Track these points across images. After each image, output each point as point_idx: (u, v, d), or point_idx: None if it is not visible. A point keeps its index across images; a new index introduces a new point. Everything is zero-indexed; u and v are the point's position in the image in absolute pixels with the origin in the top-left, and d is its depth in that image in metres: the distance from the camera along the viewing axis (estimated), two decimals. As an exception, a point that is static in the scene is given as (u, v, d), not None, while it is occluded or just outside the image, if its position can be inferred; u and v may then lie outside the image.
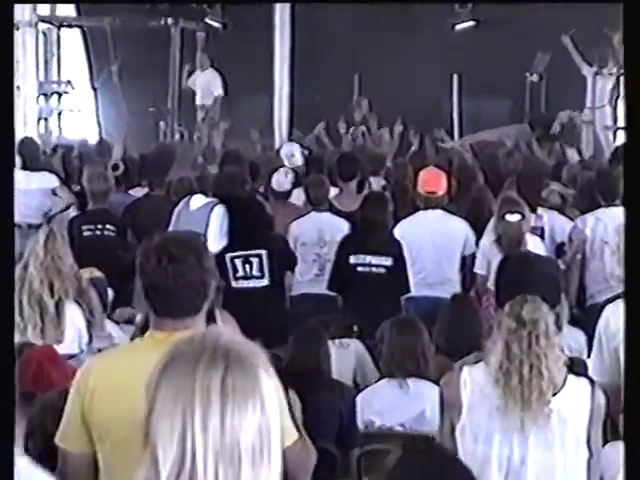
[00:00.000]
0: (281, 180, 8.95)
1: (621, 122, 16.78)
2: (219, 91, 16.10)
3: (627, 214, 2.61)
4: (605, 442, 3.94)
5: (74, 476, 3.34)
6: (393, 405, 5.58)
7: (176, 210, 7.76)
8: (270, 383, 1.91)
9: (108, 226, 8.44)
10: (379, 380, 5.84)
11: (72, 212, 9.35)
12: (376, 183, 9.96)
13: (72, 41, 17.85)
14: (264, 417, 1.87)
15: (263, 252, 7.21)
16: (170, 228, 7.49)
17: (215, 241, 7.23)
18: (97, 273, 7.02)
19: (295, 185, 9.05)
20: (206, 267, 3.31)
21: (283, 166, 9.60)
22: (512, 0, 15.87)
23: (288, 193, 8.93)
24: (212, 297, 3.41)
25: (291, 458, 3.25)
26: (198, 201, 7.73)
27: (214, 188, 8.03)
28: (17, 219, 9.37)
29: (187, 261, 3.26)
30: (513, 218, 7.05)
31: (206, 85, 16.22)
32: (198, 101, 16.27)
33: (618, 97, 16.83)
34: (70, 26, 17.72)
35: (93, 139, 16.57)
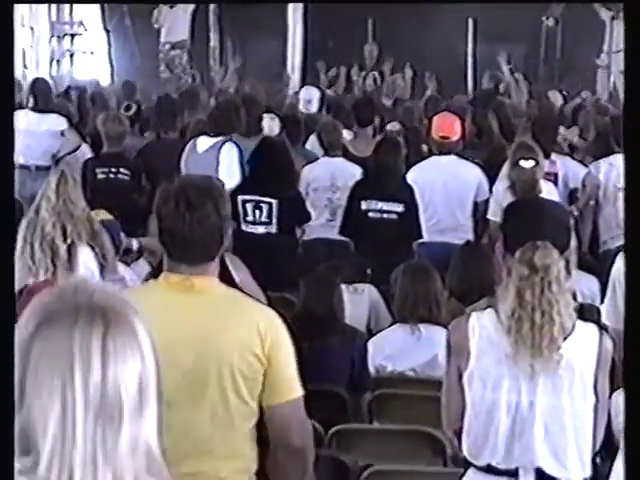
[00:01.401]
0: (270, 125, 8.99)
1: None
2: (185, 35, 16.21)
3: (627, 210, 2.55)
4: (614, 388, 3.95)
5: None
6: (405, 350, 5.60)
7: (184, 154, 7.75)
8: (147, 335, 1.89)
9: (122, 169, 8.43)
10: (391, 325, 5.86)
11: (81, 153, 9.33)
12: (392, 127, 9.95)
13: (85, -17, 17.73)
14: (144, 370, 1.86)
15: (274, 201, 7.20)
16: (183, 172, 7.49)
17: (226, 179, 7.25)
18: (108, 216, 7.03)
19: (282, 129, 9.07)
20: (223, 215, 3.30)
21: (269, 112, 9.56)
22: (511, 0, 15.72)
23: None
24: (227, 244, 3.41)
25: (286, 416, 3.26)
26: (204, 143, 7.71)
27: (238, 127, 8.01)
28: (25, 161, 9.40)
29: (205, 208, 3.25)
30: (527, 164, 7.02)
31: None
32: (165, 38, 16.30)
33: (635, 42, 16.69)
34: (83, -32, 17.62)
35: (105, 81, 16.55)
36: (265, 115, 9.15)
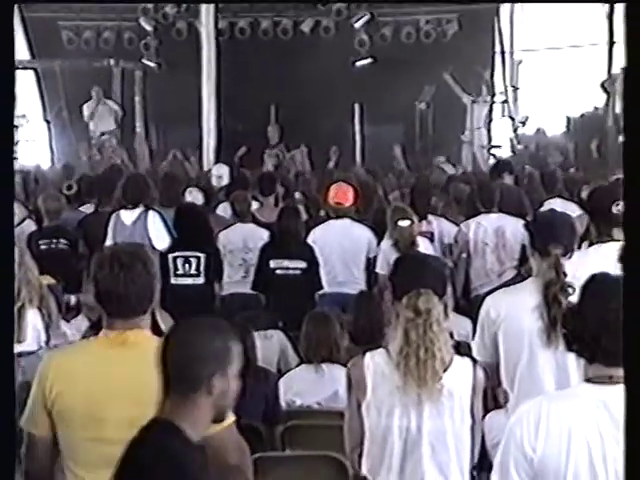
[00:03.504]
0: (195, 197, 9.01)
1: (495, 141, 17.06)
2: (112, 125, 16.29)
3: (626, 215, 2.52)
4: (486, 411, 3.99)
5: (39, 455, 3.31)
6: (310, 386, 5.58)
7: (110, 226, 7.64)
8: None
9: (62, 240, 8.32)
10: (298, 365, 5.85)
11: (29, 226, 9.19)
12: (297, 196, 10.10)
13: (26, 81, 17.58)
14: None
15: (201, 255, 7.20)
16: (109, 241, 7.39)
17: (158, 244, 7.21)
18: (51, 280, 6.93)
19: (206, 201, 9.13)
20: (152, 273, 3.31)
21: (194, 186, 9.65)
22: (503, 0, 16.04)
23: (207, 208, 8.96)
24: (157, 299, 3.39)
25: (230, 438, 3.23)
26: (128, 216, 7.62)
27: (161, 198, 7.97)
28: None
29: (136, 269, 3.25)
30: (404, 223, 7.15)
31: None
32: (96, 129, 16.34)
33: (491, 121, 17.11)
34: (25, 68, 17.47)
35: (46, 164, 16.34)
36: (191, 188, 9.19)
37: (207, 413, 2.77)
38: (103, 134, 16.24)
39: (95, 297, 3.33)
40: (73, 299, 7.02)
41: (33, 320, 5.66)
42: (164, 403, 2.75)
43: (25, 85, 17.47)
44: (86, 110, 16.36)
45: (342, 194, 7.99)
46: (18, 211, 9.54)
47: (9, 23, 2.29)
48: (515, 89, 17.71)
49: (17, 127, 16.75)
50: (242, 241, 8.06)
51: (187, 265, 7.17)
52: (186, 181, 10.25)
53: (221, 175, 11.69)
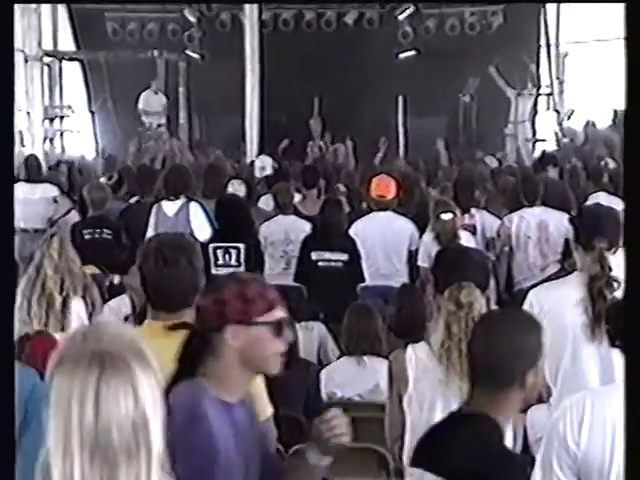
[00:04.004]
0: (237, 189, 9.02)
1: (539, 135, 16.92)
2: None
3: (627, 211, 2.50)
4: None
5: None
6: (351, 379, 5.58)
7: (152, 216, 7.68)
8: (144, 376, 1.78)
9: (105, 230, 8.38)
10: (339, 357, 5.85)
11: (73, 217, 9.30)
12: (340, 188, 10.09)
13: (72, 71, 17.74)
14: (138, 411, 1.75)
15: (241, 245, 7.20)
16: (151, 232, 7.42)
17: (199, 234, 7.24)
18: (95, 270, 7.00)
19: (248, 193, 9.10)
20: (196, 267, 3.29)
21: (237, 178, 9.65)
22: (507, 0, 15.95)
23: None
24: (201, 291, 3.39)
25: (269, 429, 3.25)
26: (170, 207, 7.67)
27: (204, 190, 7.96)
28: (25, 225, 9.44)
29: (180, 263, 3.24)
30: (446, 217, 7.12)
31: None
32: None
33: (536, 114, 16.96)
34: (71, 59, 17.63)
35: (90, 155, 16.49)
36: (234, 180, 9.19)
37: (517, 406, 2.78)
38: (160, 126, 16.35)
39: (141, 287, 3.34)
40: (117, 278, 7.11)
41: (77, 309, 5.71)
42: (472, 394, 2.77)
43: (71, 76, 17.63)
44: (141, 102, 16.43)
45: (384, 186, 7.97)
46: (63, 202, 9.68)
47: (9, 23, 2.28)
48: (561, 82, 17.55)
49: (62, 117, 16.94)
50: (284, 233, 8.07)
51: (227, 256, 7.19)
52: (229, 173, 10.28)
53: (264, 166, 11.72)
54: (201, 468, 2.48)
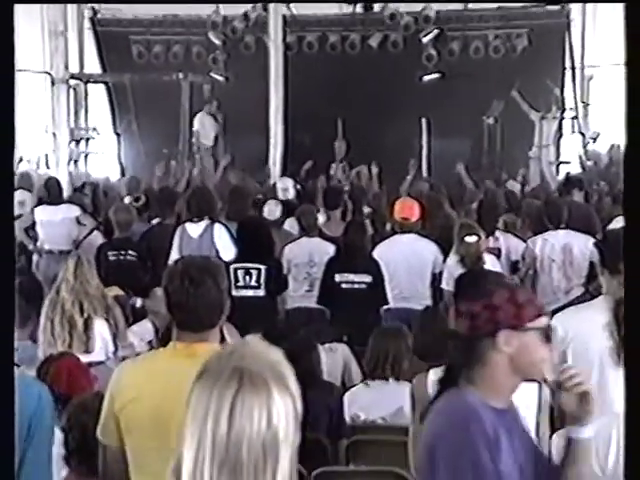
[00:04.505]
0: (272, 210, 9.00)
1: (563, 157, 16.88)
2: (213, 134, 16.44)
3: (627, 216, 2.49)
4: (553, 431, 3.93)
5: (111, 465, 3.34)
6: (375, 401, 5.56)
7: (176, 238, 7.72)
8: (281, 399, 1.81)
9: (130, 252, 8.42)
10: (363, 380, 5.83)
11: (96, 237, 9.35)
12: (365, 210, 10.09)
13: (98, 94, 17.87)
14: (270, 431, 1.78)
15: (262, 267, 7.20)
16: (175, 254, 7.45)
17: (225, 256, 7.26)
18: (120, 291, 7.02)
19: (283, 214, 9.05)
20: (222, 288, 3.31)
21: (273, 198, 9.64)
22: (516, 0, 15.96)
23: (279, 221, 8.94)
24: (226, 313, 3.40)
25: None
26: (195, 229, 7.70)
27: (228, 211, 7.98)
28: (50, 247, 9.52)
29: (206, 284, 3.26)
30: (471, 239, 7.10)
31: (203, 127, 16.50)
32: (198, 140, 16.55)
33: (561, 137, 16.93)
34: (96, 82, 17.77)
35: (115, 176, 16.59)
36: (270, 201, 9.18)
37: None
38: (211, 147, 16.52)
39: (166, 308, 3.36)
40: (139, 302, 7.12)
41: (100, 330, 5.74)
42: None
43: (96, 98, 17.77)
44: (197, 123, 16.59)
45: (408, 209, 7.98)
46: (87, 222, 9.76)
47: (9, 23, 2.27)
48: (585, 105, 17.51)
49: (88, 140, 17.06)
50: (307, 255, 8.07)
51: (248, 277, 7.20)
52: (253, 194, 10.27)
53: (287, 188, 11.74)
54: (482, 474, 2.49)
